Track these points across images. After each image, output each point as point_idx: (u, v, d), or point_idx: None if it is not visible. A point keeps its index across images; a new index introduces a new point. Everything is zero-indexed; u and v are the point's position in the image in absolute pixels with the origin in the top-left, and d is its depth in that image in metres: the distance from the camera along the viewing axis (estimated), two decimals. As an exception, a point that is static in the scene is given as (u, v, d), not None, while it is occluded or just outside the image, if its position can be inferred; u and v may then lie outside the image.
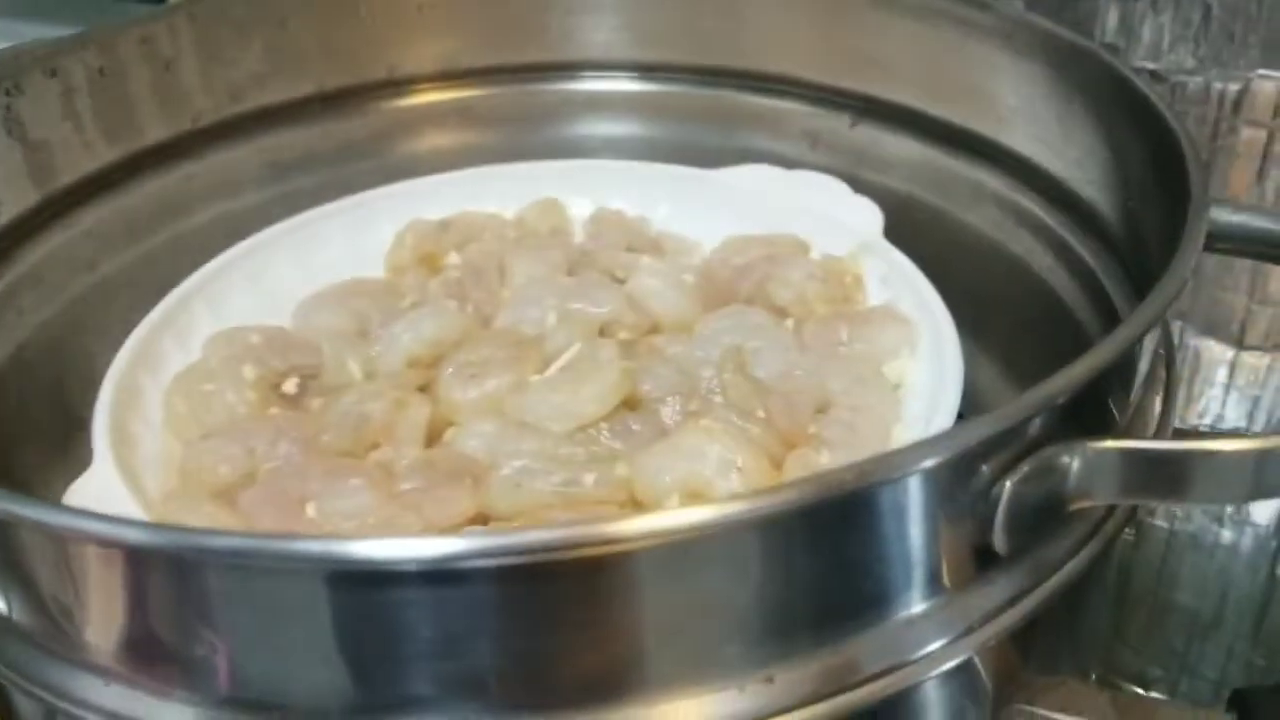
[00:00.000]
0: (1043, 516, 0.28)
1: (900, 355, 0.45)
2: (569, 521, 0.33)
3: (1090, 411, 0.31)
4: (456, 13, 0.56)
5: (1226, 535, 0.66)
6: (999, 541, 0.28)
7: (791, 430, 0.42)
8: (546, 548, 0.26)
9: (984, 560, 0.29)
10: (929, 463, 0.27)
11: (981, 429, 0.27)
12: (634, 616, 0.28)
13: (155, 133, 0.52)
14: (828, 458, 0.40)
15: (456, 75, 0.58)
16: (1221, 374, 0.61)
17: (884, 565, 0.28)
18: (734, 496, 0.25)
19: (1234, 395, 0.61)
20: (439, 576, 0.27)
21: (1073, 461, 0.28)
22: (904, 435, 0.43)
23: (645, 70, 0.58)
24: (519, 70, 0.58)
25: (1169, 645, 0.68)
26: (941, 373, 0.43)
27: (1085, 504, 0.29)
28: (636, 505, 0.40)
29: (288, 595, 0.29)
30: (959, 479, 0.27)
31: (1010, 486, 0.27)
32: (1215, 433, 0.60)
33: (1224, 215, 0.36)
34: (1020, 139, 0.48)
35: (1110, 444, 0.28)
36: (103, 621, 0.31)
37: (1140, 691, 0.66)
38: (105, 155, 0.50)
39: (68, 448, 0.46)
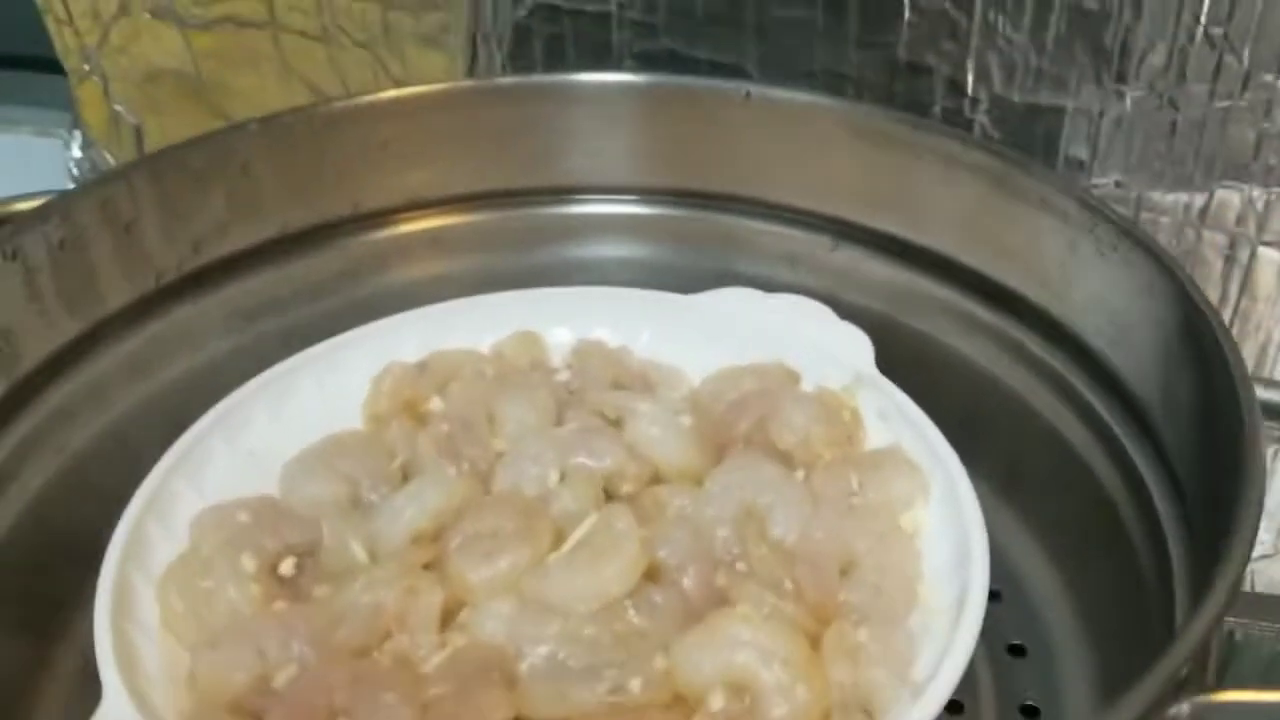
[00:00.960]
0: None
1: (914, 505, 0.45)
2: None
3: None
4: (421, 145, 0.55)
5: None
6: (1115, 800, 0.28)
7: (821, 601, 0.42)
8: None
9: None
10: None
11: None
12: None
13: (117, 298, 0.49)
14: (864, 635, 0.40)
15: (423, 205, 0.56)
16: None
17: None
18: None
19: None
20: None
21: (1181, 713, 0.28)
22: (928, 594, 0.43)
23: (616, 193, 0.57)
24: (487, 198, 0.57)
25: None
26: (960, 524, 0.43)
27: (1192, 747, 0.29)
28: (679, 700, 0.39)
29: None
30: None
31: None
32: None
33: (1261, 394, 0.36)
34: (1017, 277, 0.48)
35: (1222, 697, 0.28)
36: None
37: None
38: (69, 330, 0.48)
39: (61, 642, 0.44)
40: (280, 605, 0.43)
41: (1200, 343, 0.37)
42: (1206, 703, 0.28)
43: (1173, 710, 0.28)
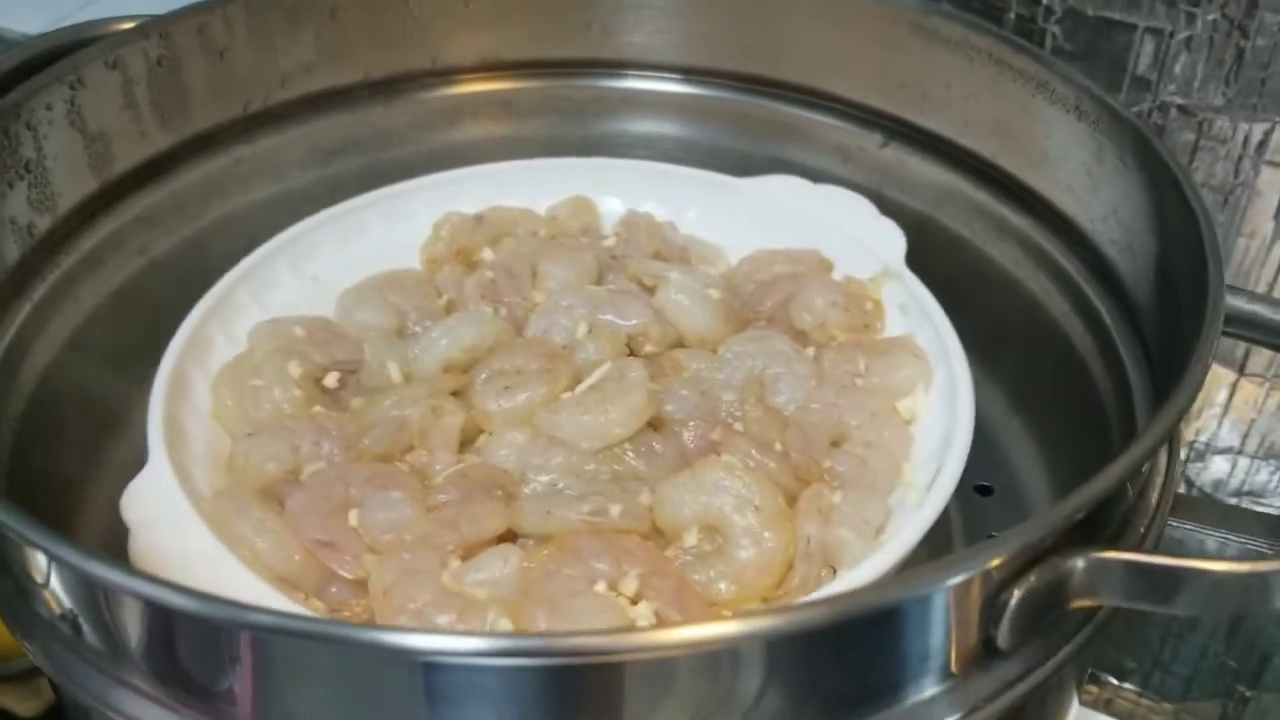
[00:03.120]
0: (1045, 615, 0.31)
1: (915, 392, 0.48)
2: (605, 630, 0.36)
3: (1092, 516, 0.33)
4: (502, 7, 0.57)
5: (1210, 544, 0.69)
6: (1003, 640, 0.31)
7: (805, 464, 0.44)
8: (585, 651, 0.29)
9: (989, 650, 0.32)
10: (948, 583, 0.29)
11: (996, 551, 0.29)
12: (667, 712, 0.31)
13: (207, 119, 0.53)
14: (839, 498, 0.43)
15: (498, 68, 0.59)
16: (1222, 396, 0.63)
17: (896, 661, 0.30)
18: (765, 611, 0.28)
19: (1230, 418, 0.64)
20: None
21: (1075, 567, 0.30)
22: (912, 474, 0.45)
23: (683, 73, 0.59)
24: (559, 66, 0.59)
25: (1146, 640, 0.71)
26: (953, 414, 0.45)
27: (1086, 604, 0.31)
28: (657, 534, 0.43)
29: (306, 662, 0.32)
30: (970, 592, 0.30)
31: (1018, 595, 0.30)
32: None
33: (1238, 303, 0.37)
34: (1047, 184, 0.49)
35: (1113, 555, 0.30)
36: (148, 653, 0.34)
37: (1114, 681, 0.69)
38: (159, 142, 0.52)
39: (120, 428, 0.49)
40: (318, 410, 0.47)
41: (1196, 253, 0.38)
42: (1099, 558, 0.30)
43: (1069, 563, 0.30)
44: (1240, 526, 0.42)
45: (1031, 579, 0.30)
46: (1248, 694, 0.68)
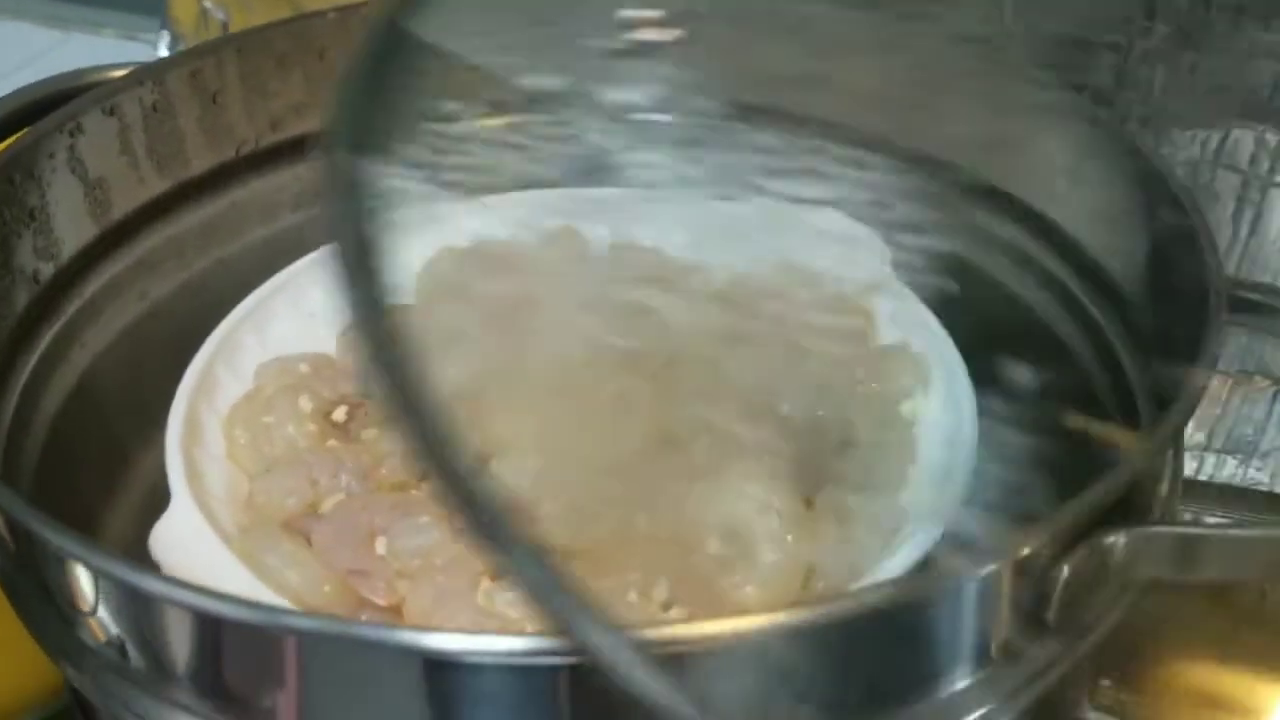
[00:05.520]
0: (1092, 589, 0.32)
1: (915, 395, 0.49)
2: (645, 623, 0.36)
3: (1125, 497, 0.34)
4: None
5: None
6: (1052, 617, 0.32)
7: (817, 470, 0.46)
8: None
9: (1031, 631, 0.33)
10: (996, 565, 0.30)
11: (1049, 530, 0.31)
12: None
13: (201, 163, 0.54)
14: (853, 500, 0.44)
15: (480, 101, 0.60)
16: (1189, 393, 0.65)
17: (937, 650, 0.32)
18: (807, 602, 0.29)
19: (1197, 414, 0.66)
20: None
21: (1118, 542, 0.32)
22: (919, 476, 0.47)
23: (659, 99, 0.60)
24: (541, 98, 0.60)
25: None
26: (956, 416, 0.47)
27: (1131, 577, 0.33)
28: (679, 543, 0.44)
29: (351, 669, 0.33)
30: (1021, 572, 0.31)
31: (1068, 570, 0.31)
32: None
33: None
34: (1031, 191, 0.51)
35: (1157, 529, 0.32)
36: (196, 670, 0.34)
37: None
38: (156, 187, 0.52)
39: (133, 472, 0.49)
40: (332, 444, 0.48)
41: (1186, 248, 0.40)
42: (1142, 532, 0.32)
43: (1110, 539, 0.32)
44: (1236, 505, 0.43)
45: (1080, 553, 0.31)
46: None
